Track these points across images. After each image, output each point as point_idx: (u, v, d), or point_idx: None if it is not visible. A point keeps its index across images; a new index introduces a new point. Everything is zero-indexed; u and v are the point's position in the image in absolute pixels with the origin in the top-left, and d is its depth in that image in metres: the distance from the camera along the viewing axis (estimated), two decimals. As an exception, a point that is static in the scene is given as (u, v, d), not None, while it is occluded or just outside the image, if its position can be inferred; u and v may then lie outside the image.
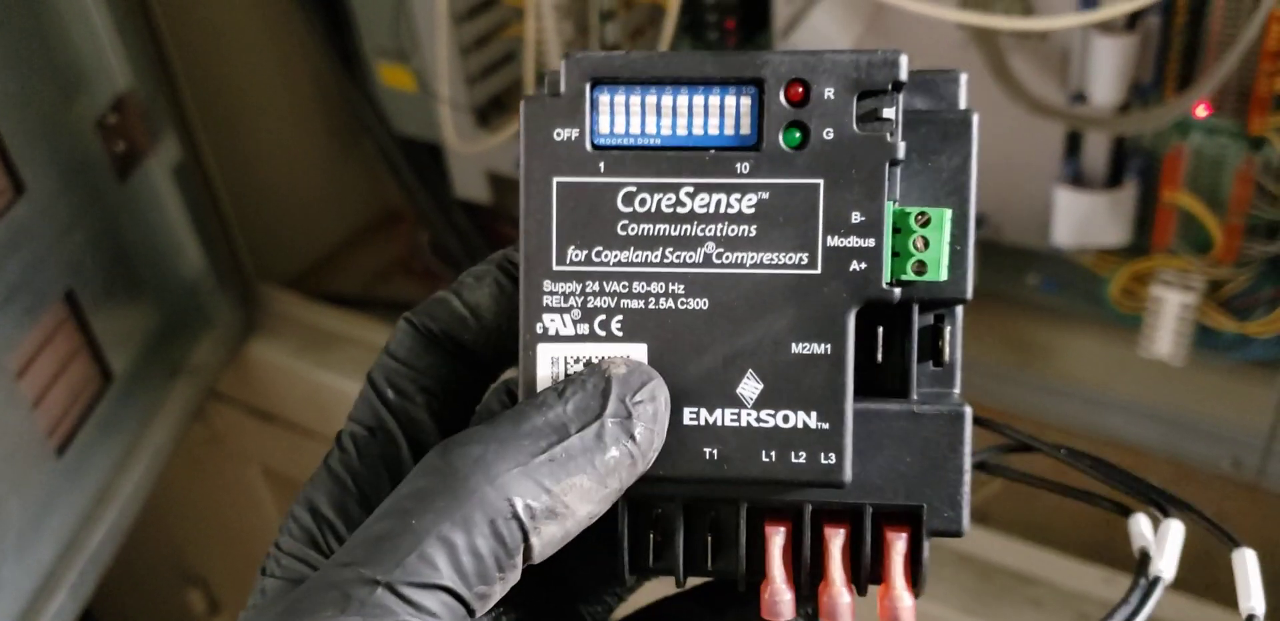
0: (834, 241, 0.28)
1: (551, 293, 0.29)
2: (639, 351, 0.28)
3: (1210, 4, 0.63)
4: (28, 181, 0.70)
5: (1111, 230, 0.71)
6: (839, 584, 0.29)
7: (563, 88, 0.28)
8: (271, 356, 0.93)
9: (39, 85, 0.73)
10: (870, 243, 0.28)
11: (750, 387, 0.28)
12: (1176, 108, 0.64)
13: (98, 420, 0.77)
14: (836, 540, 0.29)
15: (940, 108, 0.29)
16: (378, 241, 1.07)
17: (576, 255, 0.28)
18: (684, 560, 0.30)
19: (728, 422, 0.28)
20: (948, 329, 0.29)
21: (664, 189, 0.28)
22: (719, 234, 0.28)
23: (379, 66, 0.92)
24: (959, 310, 0.30)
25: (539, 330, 0.29)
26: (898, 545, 0.29)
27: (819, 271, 0.28)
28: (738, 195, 0.28)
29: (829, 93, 0.28)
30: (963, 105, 0.30)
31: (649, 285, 0.28)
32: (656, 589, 0.34)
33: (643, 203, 0.28)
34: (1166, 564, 0.31)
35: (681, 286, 0.28)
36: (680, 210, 0.28)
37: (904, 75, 0.27)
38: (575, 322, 0.29)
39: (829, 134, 0.28)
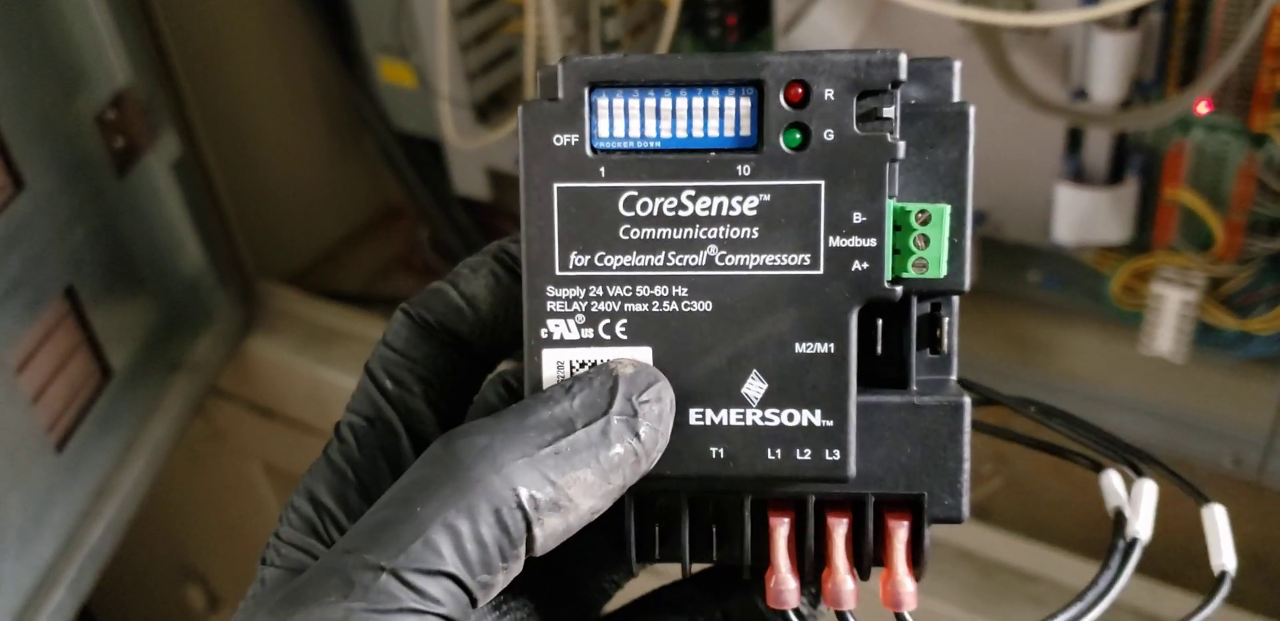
0: (836, 242, 0.28)
1: (555, 298, 0.29)
2: (644, 354, 0.29)
3: (1212, 0, 0.63)
4: (27, 177, 0.70)
5: (1113, 227, 0.71)
6: (843, 571, 0.29)
7: (560, 92, 0.28)
8: (272, 353, 0.93)
9: (39, 81, 0.73)
10: (872, 242, 0.28)
11: (755, 387, 0.29)
12: (1178, 104, 0.64)
13: (97, 416, 0.77)
14: (840, 529, 0.29)
15: (935, 96, 0.30)
16: (378, 238, 1.07)
17: (579, 260, 0.29)
18: (689, 549, 0.30)
19: (733, 422, 0.29)
20: (945, 318, 0.30)
21: (665, 192, 0.28)
22: (721, 236, 0.28)
23: (379, 62, 0.92)
24: (955, 299, 0.30)
25: (544, 335, 0.29)
26: (899, 533, 0.29)
27: (821, 272, 0.28)
28: (739, 197, 0.28)
29: (829, 93, 0.28)
30: (957, 92, 0.30)
31: (652, 288, 0.28)
32: (648, 581, 0.34)
33: (644, 207, 0.28)
34: (1143, 524, 0.31)
35: (685, 289, 0.28)
36: (682, 213, 0.28)
37: (903, 75, 0.28)
38: (580, 327, 0.29)
39: (829, 135, 0.28)
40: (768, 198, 0.28)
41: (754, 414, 0.29)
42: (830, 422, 0.28)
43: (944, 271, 0.28)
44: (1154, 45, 0.65)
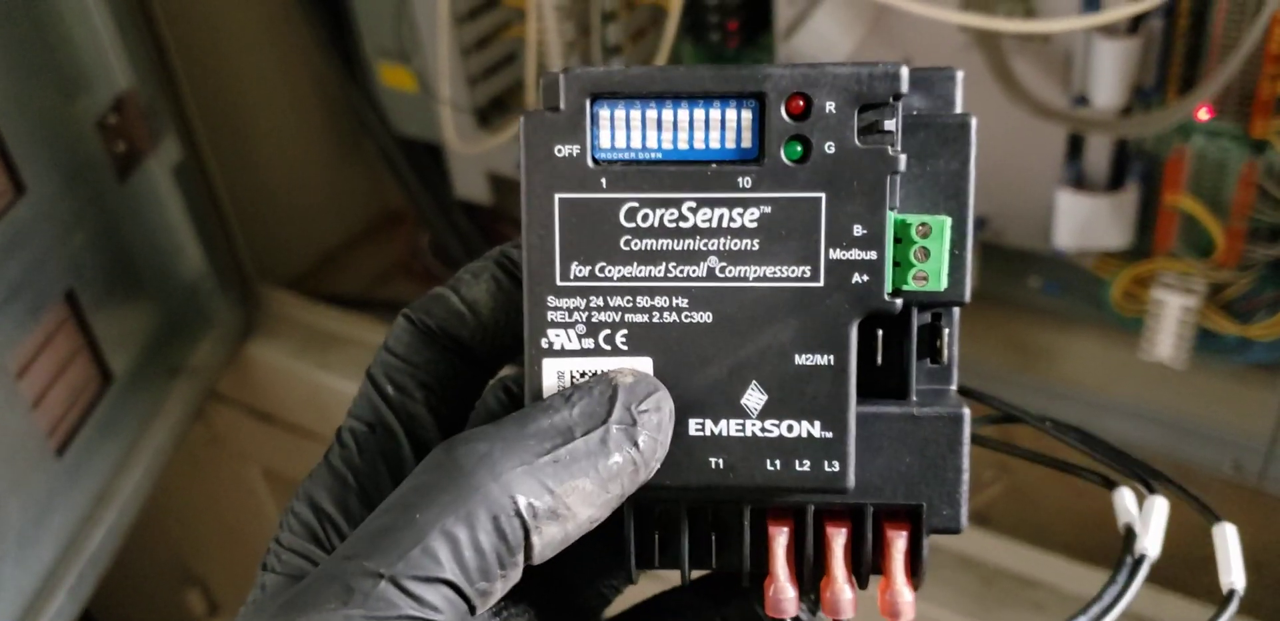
0: (836, 254, 0.28)
1: (556, 308, 0.29)
2: (644, 365, 0.29)
3: (1213, 7, 0.63)
4: (28, 182, 0.70)
5: (1113, 233, 0.71)
6: (841, 580, 0.30)
7: (562, 103, 0.28)
8: (271, 357, 0.93)
9: (40, 85, 0.73)
10: (872, 255, 0.28)
11: (755, 398, 0.29)
12: (1179, 111, 0.64)
13: (98, 421, 0.77)
14: (839, 538, 0.30)
15: (937, 107, 0.30)
16: (378, 242, 1.07)
17: (580, 271, 0.29)
18: (689, 556, 0.31)
19: (733, 433, 0.29)
20: (946, 329, 0.30)
21: (666, 204, 0.28)
22: (722, 248, 0.28)
23: (380, 67, 0.92)
24: (956, 310, 0.30)
25: (544, 345, 0.29)
26: (898, 543, 0.29)
27: (821, 284, 0.28)
28: (740, 209, 0.28)
29: (830, 106, 0.28)
30: (959, 103, 0.30)
31: (653, 299, 0.29)
32: (649, 585, 0.34)
33: (645, 218, 0.28)
34: (1152, 541, 0.31)
35: (685, 300, 0.28)
36: (683, 225, 0.28)
37: (905, 88, 0.28)
38: (580, 337, 0.29)
39: (830, 147, 0.28)
40: (768, 210, 0.28)
41: (753, 425, 0.29)
42: (829, 434, 0.28)
43: (944, 284, 0.28)
44: (1155, 52, 0.65)
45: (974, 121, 0.29)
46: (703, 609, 0.33)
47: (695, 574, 0.32)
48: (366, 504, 0.29)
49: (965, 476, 0.29)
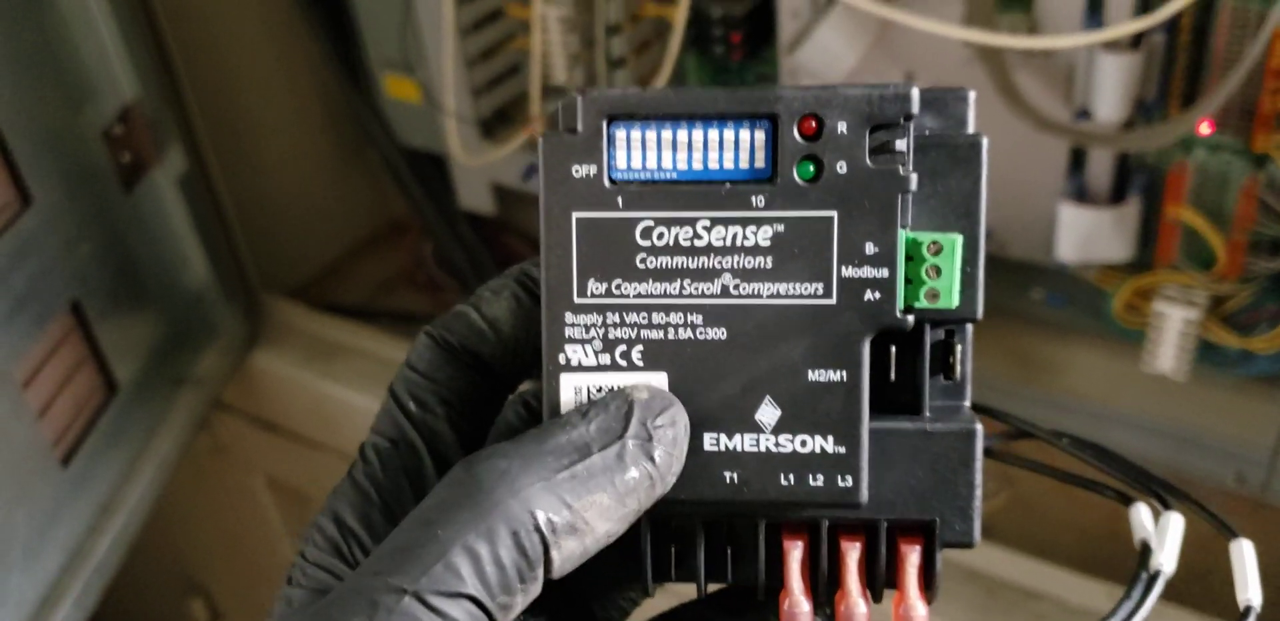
0: (848, 272, 0.28)
1: (573, 324, 0.29)
2: (660, 380, 0.29)
3: (1215, 22, 0.63)
4: (34, 192, 0.70)
5: (1115, 246, 0.71)
6: (855, 594, 0.30)
7: (580, 125, 0.29)
8: (276, 367, 0.93)
9: (46, 96, 0.73)
10: (884, 273, 0.28)
11: (768, 413, 0.29)
12: (1181, 125, 0.64)
13: (103, 430, 0.77)
14: (853, 553, 0.30)
15: (948, 127, 0.30)
16: (382, 252, 1.07)
17: (597, 288, 0.29)
18: (704, 570, 0.31)
19: (747, 448, 0.29)
20: (958, 346, 0.30)
21: (681, 222, 0.29)
22: (736, 266, 0.29)
23: (384, 78, 0.92)
24: (969, 326, 0.31)
25: (562, 361, 0.29)
26: (912, 557, 0.30)
27: (834, 301, 0.29)
28: (753, 228, 0.29)
29: (842, 127, 0.28)
30: (971, 123, 0.30)
31: (668, 316, 0.29)
32: (666, 598, 0.35)
33: (660, 236, 0.29)
34: (1167, 557, 0.31)
35: (700, 317, 0.29)
36: (697, 243, 0.29)
37: (915, 109, 0.28)
38: (597, 353, 0.29)
39: (842, 167, 0.28)
40: (782, 228, 0.28)
41: (767, 440, 0.29)
42: (843, 449, 0.29)
43: (956, 301, 0.29)
44: (1157, 66, 0.65)
45: (985, 141, 0.29)
46: None
47: (712, 587, 0.32)
48: (389, 518, 0.30)
49: (978, 491, 0.30)
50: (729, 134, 0.28)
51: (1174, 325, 0.70)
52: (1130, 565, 0.32)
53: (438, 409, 0.31)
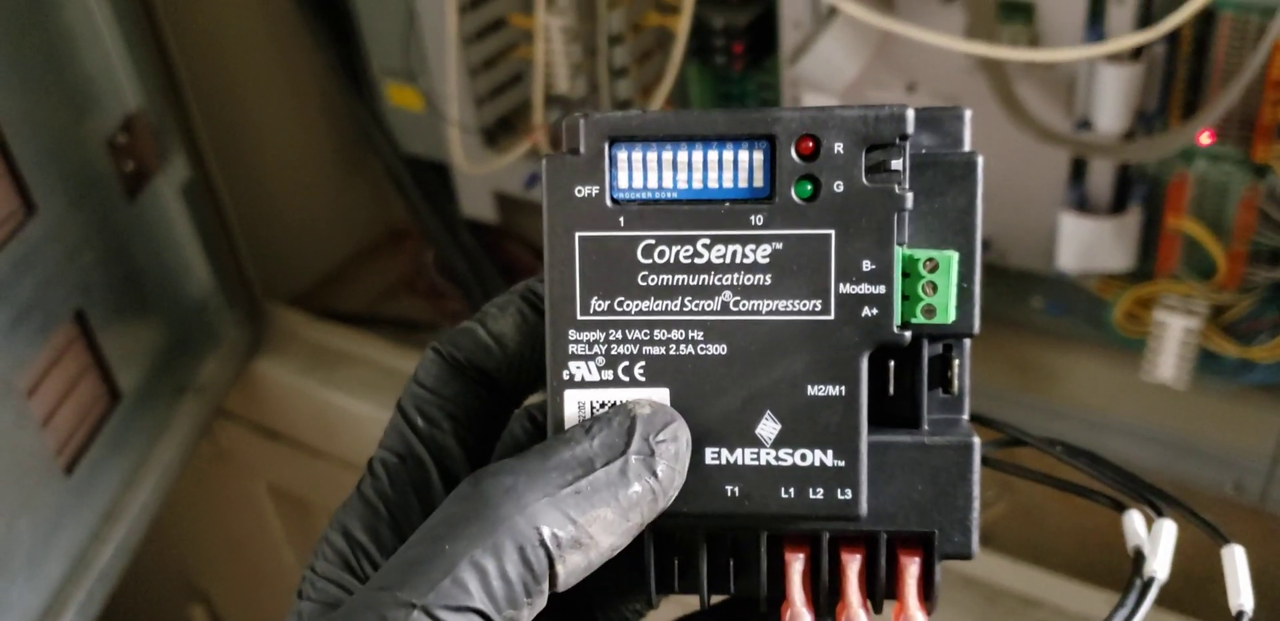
0: (846, 288, 0.29)
1: (576, 341, 0.30)
2: (661, 395, 0.30)
3: (1215, 34, 0.63)
4: (39, 201, 0.70)
5: (1116, 255, 0.71)
6: (856, 605, 0.30)
7: (582, 146, 0.29)
8: (278, 374, 0.94)
9: (50, 105, 0.73)
10: (880, 289, 0.29)
11: (769, 428, 0.29)
12: (1181, 136, 0.64)
13: (106, 438, 0.77)
14: (853, 565, 0.30)
15: (945, 145, 0.30)
16: (384, 260, 1.07)
17: (600, 305, 0.30)
18: (707, 582, 0.31)
19: (747, 461, 0.29)
20: (956, 360, 0.31)
21: (682, 241, 0.29)
22: (735, 283, 0.29)
23: (387, 86, 0.93)
24: (967, 341, 0.31)
25: (565, 377, 0.30)
26: (911, 569, 0.30)
27: (832, 317, 0.29)
28: (753, 246, 0.29)
29: (838, 147, 0.29)
30: (967, 141, 0.31)
31: (670, 332, 0.29)
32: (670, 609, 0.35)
33: (661, 254, 0.29)
34: (1160, 564, 0.32)
35: (701, 333, 0.29)
36: (698, 261, 0.29)
37: (910, 129, 0.29)
38: (600, 369, 0.30)
39: (839, 186, 0.29)
40: (780, 246, 0.29)
41: (768, 454, 0.29)
42: (842, 463, 0.29)
43: (952, 317, 0.29)
44: (1157, 77, 0.66)
45: (980, 160, 0.30)
46: None
47: (715, 599, 0.32)
48: (398, 533, 0.30)
49: (976, 504, 0.30)
50: (728, 154, 0.29)
51: (1174, 334, 0.71)
52: (1129, 573, 0.32)
53: (445, 424, 0.31)
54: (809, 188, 0.29)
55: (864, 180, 0.29)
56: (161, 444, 0.83)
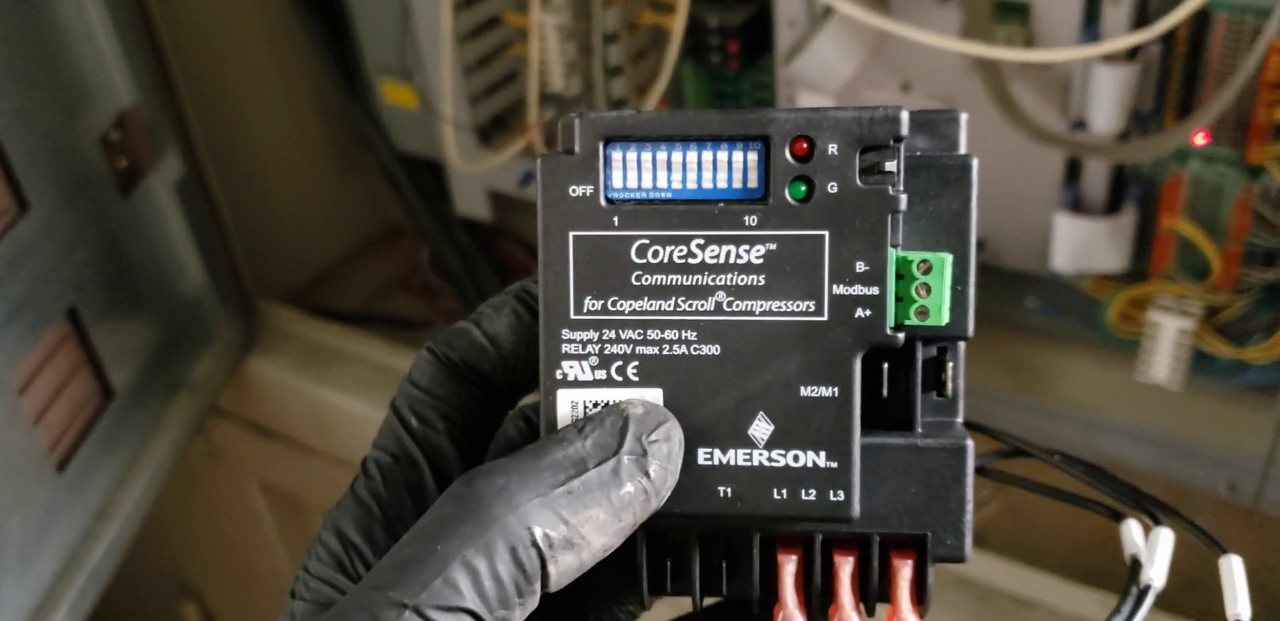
0: (839, 290, 0.29)
1: (570, 340, 0.30)
2: (655, 395, 0.30)
3: (1210, 35, 0.63)
4: (31, 199, 0.70)
5: (1110, 256, 0.71)
6: (848, 608, 0.30)
7: (577, 146, 0.29)
8: (271, 372, 0.94)
9: (43, 101, 0.73)
10: (874, 291, 0.29)
11: (761, 429, 0.29)
12: (1176, 136, 0.64)
13: (99, 436, 0.77)
14: (846, 567, 0.30)
15: (940, 147, 0.30)
16: (378, 257, 1.07)
17: (593, 305, 0.30)
18: (700, 583, 0.31)
19: (740, 462, 0.29)
20: (950, 363, 0.31)
21: (675, 241, 0.29)
22: (729, 283, 0.29)
23: (381, 84, 0.93)
24: (961, 344, 0.31)
25: (558, 376, 0.30)
26: (904, 571, 0.30)
27: (825, 318, 0.29)
28: (746, 246, 0.29)
29: (832, 148, 0.29)
30: (963, 143, 0.31)
31: (663, 332, 0.29)
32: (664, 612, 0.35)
33: (655, 254, 0.29)
34: (1157, 572, 0.32)
35: (694, 333, 0.29)
36: (691, 261, 0.29)
37: (904, 131, 0.28)
38: (593, 369, 0.30)
39: (833, 187, 0.29)
40: (774, 247, 0.29)
41: (760, 454, 0.29)
42: (834, 464, 0.29)
43: (946, 319, 0.29)
44: (1152, 78, 0.66)
45: (975, 163, 0.30)
46: None
47: (708, 601, 0.32)
48: (391, 533, 0.30)
49: (969, 506, 0.30)
50: (722, 155, 0.29)
51: (1168, 335, 0.71)
52: (1122, 573, 0.32)
53: (439, 424, 0.31)
54: (803, 188, 0.29)
55: (858, 181, 0.28)
56: (154, 442, 0.83)
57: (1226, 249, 0.68)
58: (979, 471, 0.35)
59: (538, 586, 0.27)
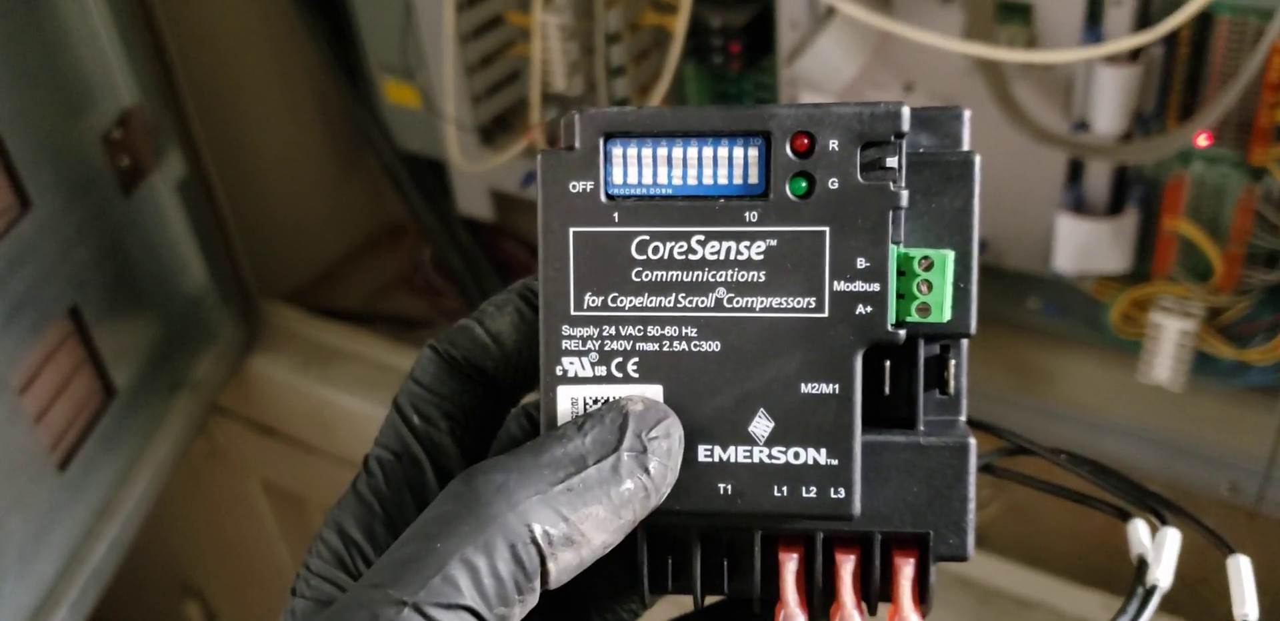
0: (840, 286, 0.29)
1: (570, 337, 0.30)
2: (655, 392, 0.29)
3: (1213, 36, 0.63)
4: (34, 197, 0.70)
5: (1112, 257, 0.71)
6: (850, 606, 0.30)
7: (578, 142, 0.29)
8: (273, 371, 0.94)
9: (46, 100, 0.73)
10: (875, 287, 0.29)
11: (762, 426, 0.29)
12: (1178, 137, 0.64)
13: (100, 435, 0.77)
14: (847, 565, 0.30)
15: (944, 145, 0.30)
16: (379, 256, 1.07)
17: (593, 301, 0.29)
18: (701, 581, 0.31)
19: (740, 459, 0.29)
20: (953, 361, 0.30)
21: (676, 237, 0.29)
22: (729, 279, 0.29)
23: (384, 83, 0.93)
24: (964, 341, 0.31)
25: (559, 372, 0.30)
26: (905, 570, 0.30)
27: (826, 315, 0.29)
28: (747, 242, 0.29)
29: (833, 144, 0.28)
30: (966, 140, 0.30)
31: (663, 329, 0.29)
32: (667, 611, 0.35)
33: (655, 250, 0.29)
34: (1163, 572, 0.32)
35: (694, 330, 0.29)
36: (692, 257, 0.29)
37: (906, 127, 0.28)
38: (593, 365, 0.30)
39: (834, 183, 0.28)
40: (774, 243, 0.29)
41: (761, 451, 0.29)
42: (835, 461, 0.29)
43: (948, 316, 0.29)
44: (1155, 79, 0.66)
45: (978, 159, 0.30)
46: None
47: (709, 600, 0.32)
48: (392, 531, 0.30)
49: (971, 505, 0.30)
50: (723, 151, 0.29)
51: (1170, 336, 0.71)
52: (1125, 574, 0.32)
53: (441, 422, 0.31)
54: (804, 184, 0.29)
55: (859, 177, 0.28)
56: (156, 440, 0.83)
57: (1229, 250, 0.68)
58: (984, 470, 0.35)
59: (537, 583, 0.27)
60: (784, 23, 0.73)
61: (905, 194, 0.28)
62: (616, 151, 0.29)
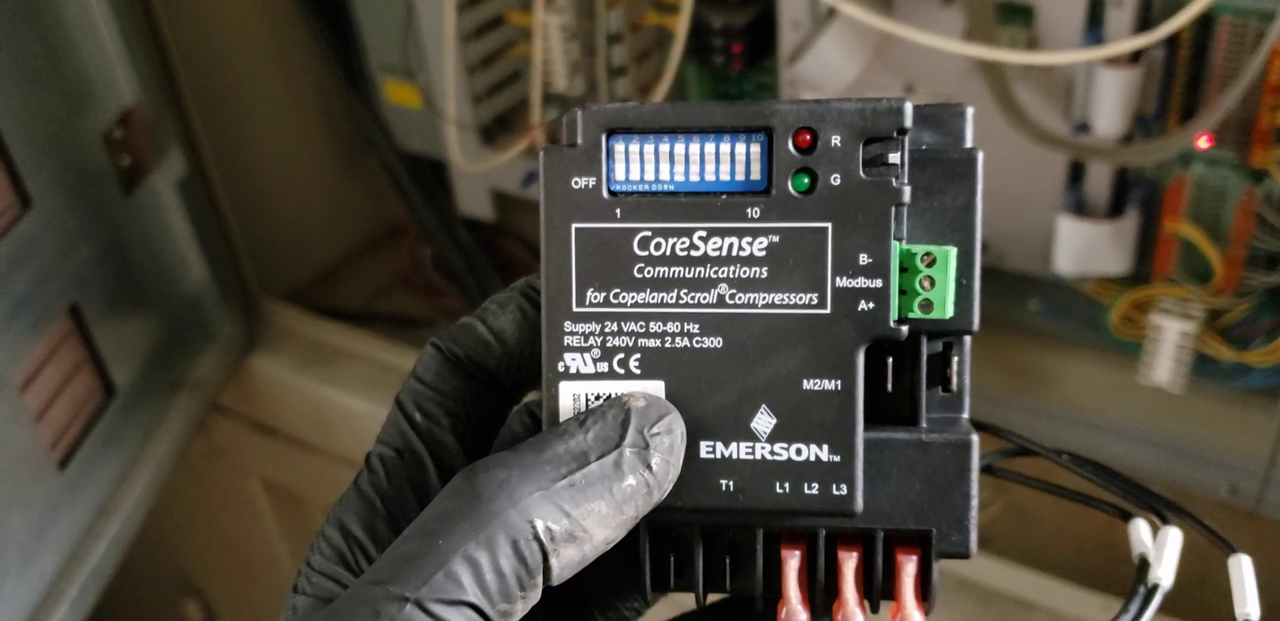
0: (842, 282, 0.29)
1: (572, 333, 0.30)
2: (657, 388, 0.29)
3: (1214, 38, 0.63)
4: (34, 196, 0.70)
5: (1113, 259, 0.71)
6: (852, 604, 0.30)
7: (580, 138, 0.29)
8: (273, 370, 0.94)
9: (47, 99, 0.73)
10: (877, 283, 0.29)
11: (764, 422, 0.29)
12: (1179, 140, 0.64)
13: (100, 434, 0.77)
14: (850, 562, 0.30)
15: (946, 143, 0.30)
16: (380, 256, 1.07)
17: (595, 297, 0.29)
18: (703, 579, 0.31)
19: (743, 456, 0.29)
20: (955, 358, 0.30)
21: (678, 233, 0.29)
22: (732, 276, 0.29)
23: (385, 83, 0.93)
24: (967, 339, 0.31)
25: (560, 368, 0.30)
26: (908, 567, 0.30)
27: (828, 311, 0.29)
28: (749, 238, 0.29)
29: (835, 140, 0.28)
30: (969, 138, 0.30)
31: (665, 325, 0.29)
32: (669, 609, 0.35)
33: (658, 246, 0.29)
34: (1165, 571, 0.32)
35: (696, 326, 0.29)
36: (694, 253, 0.29)
37: (908, 123, 0.28)
38: (595, 361, 0.30)
39: (836, 180, 0.28)
40: (777, 239, 0.29)
41: (763, 448, 0.29)
42: (837, 458, 0.29)
43: (950, 312, 0.29)
44: (1156, 81, 0.66)
45: (980, 157, 0.30)
46: None
47: (712, 598, 0.32)
48: (394, 528, 0.30)
49: (974, 502, 0.30)
50: (725, 147, 0.29)
51: (1170, 338, 0.71)
52: (1125, 575, 0.32)
53: (443, 420, 0.31)
54: (806, 181, 0.29)
55: (861, 173, 0.28)
56: (156, 439, 0.83)
57: (1229, 252, 0.68)
58: (985, 470, 0.35)
59: (539, 579, 0.27)
60: (785, 23, 0.73)
61: (907, 190, 0.28)
62: (619, 147, 0.29)
